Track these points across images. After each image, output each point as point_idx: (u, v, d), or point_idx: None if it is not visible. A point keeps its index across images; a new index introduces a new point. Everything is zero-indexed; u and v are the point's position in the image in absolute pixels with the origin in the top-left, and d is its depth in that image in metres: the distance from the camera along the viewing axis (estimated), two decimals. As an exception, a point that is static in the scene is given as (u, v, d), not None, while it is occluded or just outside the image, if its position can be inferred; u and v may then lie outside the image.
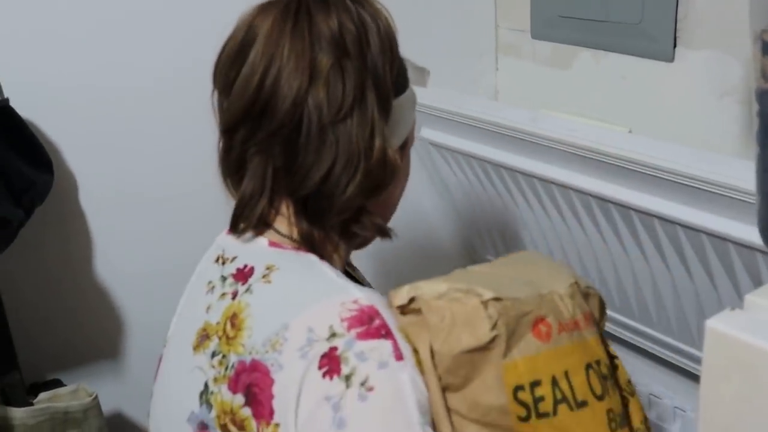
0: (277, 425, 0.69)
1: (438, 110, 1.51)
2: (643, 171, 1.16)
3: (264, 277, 0.77)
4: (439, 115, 1.51)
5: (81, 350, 1.46)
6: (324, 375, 0.67)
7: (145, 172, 1.28)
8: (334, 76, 0.75)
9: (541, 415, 0.74)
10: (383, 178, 0.77)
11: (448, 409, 0.72)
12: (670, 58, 1.37)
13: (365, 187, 0.76)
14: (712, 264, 1.17)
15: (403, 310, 0.75)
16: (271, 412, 0.69)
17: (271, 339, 0.71)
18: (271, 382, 0.69)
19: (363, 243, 0.87)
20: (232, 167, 0.82)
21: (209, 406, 0.74)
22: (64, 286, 1.41)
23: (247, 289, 0.77)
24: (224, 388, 0.73)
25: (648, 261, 1.29)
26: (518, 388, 0.73)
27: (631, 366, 1.50)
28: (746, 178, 1.03)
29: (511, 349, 0.74)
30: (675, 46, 1.35)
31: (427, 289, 0.75)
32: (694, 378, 1.42)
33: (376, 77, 0.77)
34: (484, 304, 0.74)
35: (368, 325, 0.69)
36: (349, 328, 0.69)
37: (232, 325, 0.75)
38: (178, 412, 0.79)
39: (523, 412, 0.74)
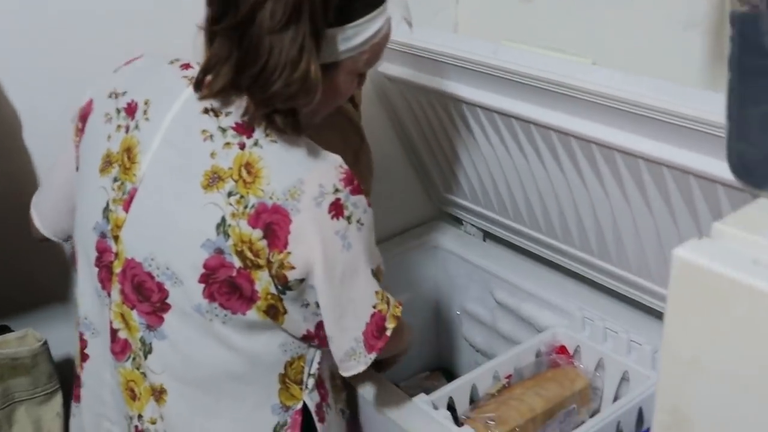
0: (288, 253, 0.94)
1: (393, 42, 1.45)
2: (607, 104, 1.14)
3: (267, 135, 0.96)
4: (395, 48, 1.46)
5: (28, 295, 1.42)
6: (332, 217, 0.95)
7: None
8: None
9: None
10: (303, 89, 0.92)
11: None
12: (633, -12, 1.33)
13: (287, 93, 0.91)
14: (673, 198, 1.16)
15: None
16: (285, 244, 0.94)
17: (290, 189, 0.94)
18: (289, 221, 0.93)
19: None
20: (207, 38, 0.96)
21: (227, 236, 0.94)
22: (9, 228, 1.35)
23: (255, 143, 0.96)
24: (243, 222, 0.94)
25: (608, 195, 1.28)
26: None
27: (591, 301, 1.51)
28: (710, 110, 1.01)
29: None
30: (638, -25, 1.32)
31: None
32: (650, 312, 1.43)
33: (313, 7, 0.90)
34: None
35: (353, 184, 0.98)
36: (345, 185, 0.97)
37: (248, 173, 0.94)
38: (187, 240, 0.96)
39: None
